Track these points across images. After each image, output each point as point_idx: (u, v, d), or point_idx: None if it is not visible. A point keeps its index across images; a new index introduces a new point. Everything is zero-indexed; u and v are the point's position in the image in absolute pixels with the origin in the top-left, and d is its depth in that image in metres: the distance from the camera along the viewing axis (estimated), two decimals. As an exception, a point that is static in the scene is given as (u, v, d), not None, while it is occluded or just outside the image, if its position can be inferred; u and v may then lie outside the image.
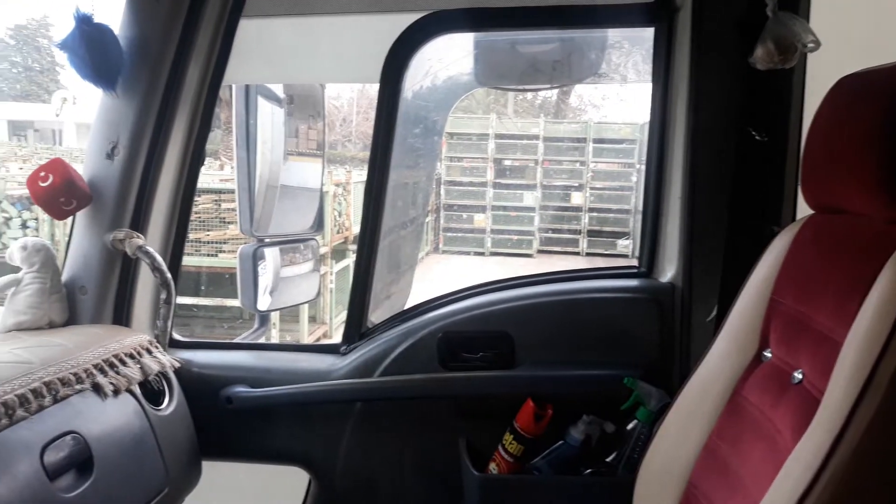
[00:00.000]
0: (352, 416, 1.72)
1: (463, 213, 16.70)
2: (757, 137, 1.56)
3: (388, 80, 1.71)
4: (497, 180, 16.95)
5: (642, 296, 1.70)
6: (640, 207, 2.26)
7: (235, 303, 8.56)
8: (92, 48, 1.48)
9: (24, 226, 8.20)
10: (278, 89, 2.04)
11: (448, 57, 2.00)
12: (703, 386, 1.24)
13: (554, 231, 16.76)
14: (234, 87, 1.86)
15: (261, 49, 1.81)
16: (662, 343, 1.66)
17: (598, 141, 16.54)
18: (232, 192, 8.36)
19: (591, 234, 16.60)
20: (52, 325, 1.54)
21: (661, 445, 1.29)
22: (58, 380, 1.26)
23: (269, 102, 2.08)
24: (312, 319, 9.72)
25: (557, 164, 16.97)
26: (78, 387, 1.29)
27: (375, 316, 1.81)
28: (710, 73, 1.58)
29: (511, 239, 16.70)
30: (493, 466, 1.64)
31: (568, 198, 16.76)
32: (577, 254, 16.17)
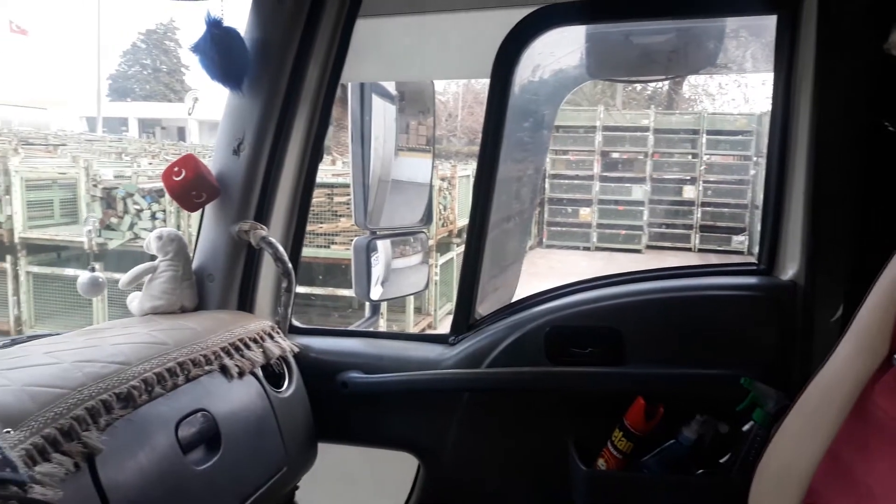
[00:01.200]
0: (460, 405, 1.75)
1: (568, 207, 16.49)
2: (891, 128, 1.47)
3: (499, 75, 1.72)
4: (604, 173, 16.64)
5: (761, 294, 1.64)
6: (758, 202, 2.17)
7: (346, 292, 8.86)
8: (221, 51, 1.58)
9: (153, 217, 8.79)
10: (390, 86, 2.10)
11: (559, 50, 1.99)
12: (826, 389, 1.18)
13: (664, 226, 16.25)
14: (349, 85, 1.93)
15: (375, 48, 1.86)
16: (781, 343, 1.59)
17: (712, 132, 15.89)
18: (343, 186, 8.64)
19: (703, 229, 16.01)
20: (183, 310, 1.65)
21: (779, 448, 1.24)
22: (190, 361, 1.35)
23: (381, 99, 2.14)
24: (418, 310, 9.92)
25: (668, 157, 16.45)
26: (207, 368, 1.39)
27: (483, 308, 1.83)
28: (839, 61, 1.49)
29: (618, 234, 16.34)
30: (601, 462, 1.63)
31: (679, 191, 16.21)
32: (689, 250, 15.64)
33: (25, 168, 9.27)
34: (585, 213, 16.38)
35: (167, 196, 8.57)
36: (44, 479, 0.92)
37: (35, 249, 9.22)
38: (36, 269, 8.99)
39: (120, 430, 1.12)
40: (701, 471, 1.56)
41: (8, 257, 8.84)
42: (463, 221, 11.46)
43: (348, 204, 8.87)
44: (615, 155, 16.60)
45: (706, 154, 15.86)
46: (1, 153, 10.72)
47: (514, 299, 1.94)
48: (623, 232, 16.23)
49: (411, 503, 1.86)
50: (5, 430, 0.95)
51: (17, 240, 8.93)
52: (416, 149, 2.36)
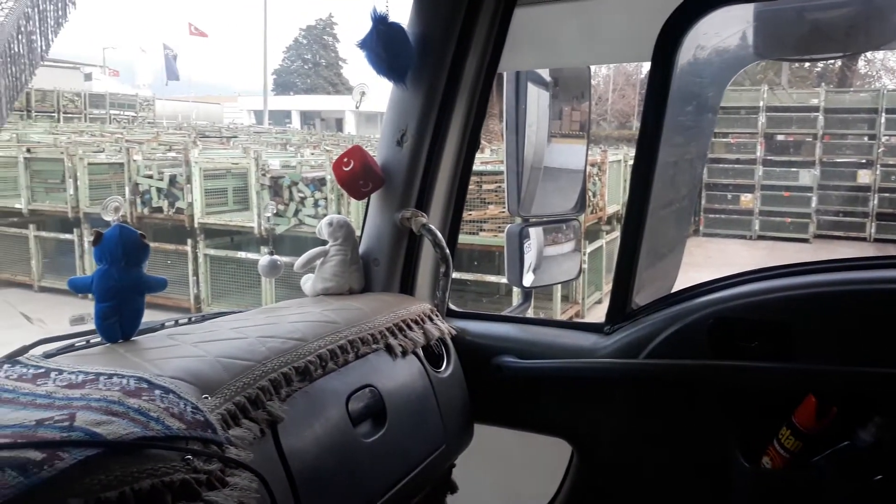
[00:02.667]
0: (616, 394, 1.73)
1: (727, 194, 15.60)
2: None
3: (661, 58, 1.67)
4: (768, 157, 15.58)
5: None
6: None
7: (494, 278, 8.96)
8: (387, 45, 1.65)
9: (316, 204, 9.32)
10: (544, 72, 2.10)
11: (724, 30, 1.90)
12: None
13: (835, 213, 14.97)
14: (505, 73, 1.95)
15: (533, 36, 1.87)
16: None
17: (892, 111, 14.40)
18: (491, 174, 8.71)
19: (881, 217, 14.58)
20: (351, 291, 1.76)
21: None
22: (359, 339, 1.44)
23: (536, 86, 2.15)
24: (565, 299, 9.83)
25: (841, 139, 15.11)
26: (374, 346, 1.48)
27: (640, 297, 1.80)
28: None
29: (783, 222, 15.26)
30: (766, 461, 1.56)
31: (853, 176, 14.86)
32: (864, 240, 14.33)
33: (203, 159, 10.14)
34: (747, 200, 15.44)
35: (328, 184, 9.09)
36: (236, 441, 1.03)
37: (211, 234, 10.08)
38: (212, 251, 9.83)
39: (298, 401, 1.23)
40: (879, 477, 1.45)
41: (189, 241, 9.73)
42: (613, 208, 11.19)
43: (496, 191, 8.95)
44: (780, 137, 15.50)
45: (885, 135, 14.42)
46: (183, 146, 11.79)
47: (673, 290, 1.88)
48: (789, 220, 15.15)
49: (564, 489, 1.87)
50: (204, 396, 1.07)
51: (196, 225, 9.80)
52: (569, 135, 2.35)
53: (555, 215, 2.28)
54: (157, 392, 0.99)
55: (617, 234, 11.23)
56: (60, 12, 1.00)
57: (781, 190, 15.25)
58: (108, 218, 1.29)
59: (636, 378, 1.71)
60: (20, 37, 0.98)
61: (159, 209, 9.99)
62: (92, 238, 1.26)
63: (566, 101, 2.29)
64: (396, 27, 1.66)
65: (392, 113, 1.78)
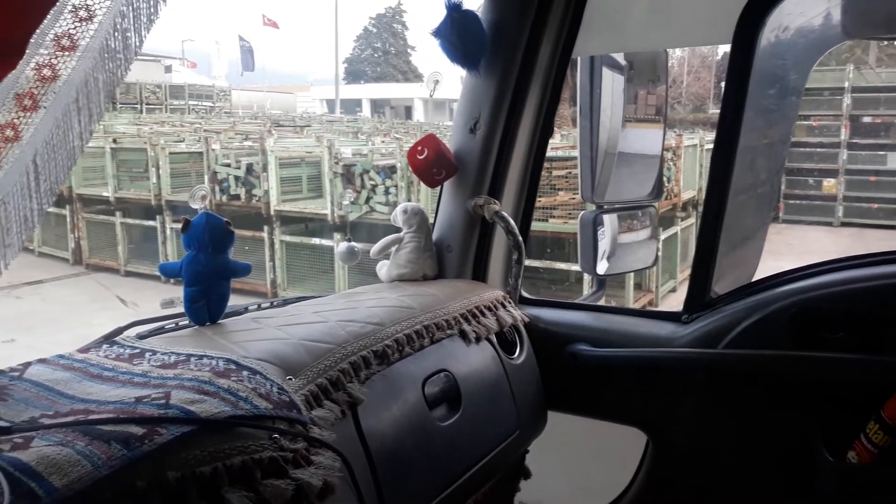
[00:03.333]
0: (694, 385, 1.70)
1: (809, 179, 14.95)
2: None
3: (742, 40, 1.62)
4: (853, 140, 14.83)
5: None
6: None
7: (563, 265, 8.89)
8: (461, 34, 1.66)
9: (386, 192, 9.44)
10: (619, 56, 2.06)
11: (809, 10, 1.83)
12: None
13: (929, 199, 14.14)
14: (579, 58, 1.93)
15: (608, 20, 1.84)
16: None
17: None
18: (561, 159, 8.61)
19: (979, 202, 13.70)
20: (425, 278, 1.78)
21: None
22: (434, 324, 1.47)
23: (610, 71, 2.12)
24: (638, 287, 9.66)
25: (935, 120, 14.24)
26: (449, 332, 1.50)
27: (720, 286, 1.76)
28: None
29: (870, 208, 14.53)
30: (852, 455, 1.51)
31: (949, 159, 14.00)
32: (959, 226, 13.51)
33: (279, 148, 10.39)
34: (829, 185, 14.78)
35: (399, 172, 9.19)
36: (320, 421, 1.07)
37: (286, 220, 10.34)
38: (288, 238, 10.09)
39: (376, 384, 1.26)
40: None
41: (265, 227, 10.01)
42: (689, 194, 10.90)
43: (567, 177, 8.84)
44: (867, 119, 14.73)
45: None
46: (259, 135, 12.12)
47: (754, 278, 1.83)
48: (876, 206, 14.41)
49: (639, 478, 1.85)
50: (288, 377, 1.11)
51: (272, 212, 10.07)
52: (644, 119, 2.30)
53: (630, 202, 2.24)
54: (245, 373, 1.03)
55: (692, 220, 10.95)
56: (153, 9, 1.05)
57: (868, 175, 14.52)
58: (195, 206, 1.34)
59: (715, 368, 1.68)
60: (116, 34, 1.03)
61: (237, 196, 10.31)
62: (181, 225, 1.31)
63: (641, 84, 2.24)
64: (471, 15, 1.66)
65: (465, 100, 1.79)
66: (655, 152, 2.34)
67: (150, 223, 11.09)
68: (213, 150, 10.57)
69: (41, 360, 1.11)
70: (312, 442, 0.98)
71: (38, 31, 0.96)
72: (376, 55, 53.05)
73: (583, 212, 2.10)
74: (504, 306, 1.72)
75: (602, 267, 2.12)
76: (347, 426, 1.16)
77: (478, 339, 1.56)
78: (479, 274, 1.85)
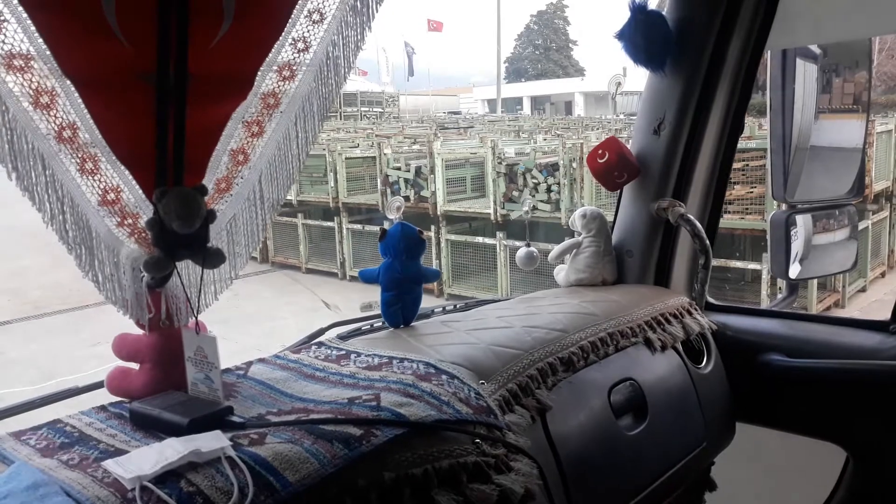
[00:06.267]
0: None
1: None
2: None
3: None
4: None
5: None
6: None
7: (739, 264, 8.39)
8: (645, 34, 1.63)
9: (548, 190, 9.39)
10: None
11: None
12: None
13: None
14: (769, 51, 1.82)
15: (804, 10, 1.72)
16: None
17: None
18: (738, 150, 8.11)
19: None
20: (604, 283, 1.77)
21: None
22: (618, 332, 1.45)
23: (803, 60, 1.98)
24: (822, 287, 8.91)
25: None
26: (633, 339, 1.47)
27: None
28: None
29: None
30: None
31: None
32: None
33: (445, 150, 10.68)
34: None
35: (561, 169, 9.11)
36: (513, 427, 1.09)
37: (451, 220, 10.61)
38: (453, 237, 10.34)
39: (563, 391, 1.27)
40: None
41: (432, 227, 10.32)
42: (882, 185, 9.90)
43: (743, 170, 8.33)
44: None
45: None
46: (425, 138, 12.51)
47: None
48: None
49: (837, 498, 1.72)
50: (480, 382, 1.15)
51: (439, 212, 10.37)
52: (840, 110, 2.14)
53: (825, 200, 2.09)
54: (444, 377, 1.09)
55: (885, 213, 9.96)
56: (360, 36, 1.13)
57: None
58: (390, 216, 1.43)
59: None
60: (328, 61, 1.12)
61: (406, 198, 10.71)
62: (378, 234, 1.40)
63: (837, 72, 2.08)
64: (655, 15, 1.63)
65: (649, 101, 1.75)
66: (855, 145, 2.17)
67: (328, 224, 11.81)
68: (385, 154, 11.07)
69: (260, 360, 1.23)
70: (510, 448, 1.01)
71: (264, 63, 1.07)
72: (537, 52, 52.91)
73: (773, 212, 1.99)
74: (690, 313, 1.67)
75: (794, 271, 1.99)
76: (537, 432, 1.17)
77: (663, 348, 1.52)
78: (662, 279, 1.80)
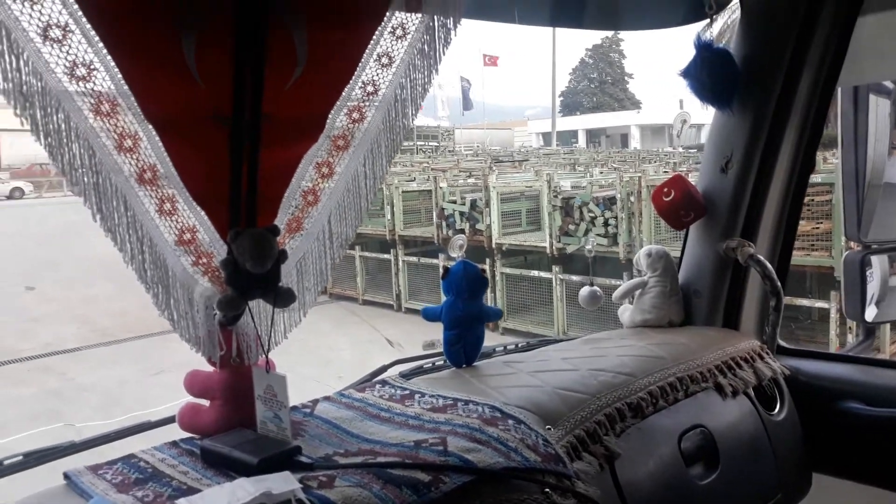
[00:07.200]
0: None
1: None
2: None
3: None
4: None
5: None
6: None
7: (806, 302, 8.11)
8: (711, 72, 1.60)
9: (606, 224, 9.29)
10: (883, 78, 1.87)
11: None
12: None
13: None
14: (840, 87, 1.78)
15: (879, 45, 1.68)
16: None
17: None
18: (803, 186, 7.88)
19: None
20: (671, 324, 1.72)
21: None
22: (687, 376, 1.41)
23: (875, 95, 1.92)
24: (895, 326, 8.50)
25: None
26: (703, 385, 1.43)
27: None
28: None
29: None
30: None
31: None
32: None
33: (500, 183, 10.71)
34: None
35: (618, 202, 9.02)
36: (582, 475, 1.07)
37: (507, 253, 10.59)
38: (508, 270, 10.31)
39: (632, 437, 1.23)
40: None
41: (487, 260, 10.32)
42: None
43: (808, 205, 8.09)
44: None
45: None
46: (480, 171, 12.58)
47: None
48: None
49: None
50: (547, 427, 1.13)
51: (494, 245, 10.37)
52: (917, 144, 2.06)
53: (901, 240, 2.01)
54: (510, 422, 1.07)
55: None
56: (426, 79, 1.15)
57: None
58: (453, 255, 1.43)
59: None
60: (396, 104, 1.14)
61: (461, 231, 10.76)
62: (441, 272, 1.40)
63: (913, 103, 2.01)
64: (721, 52, 1.60)
65: (715, 138, 1.72)
66: (934, 181, 2.08)
67: (385, 256, 11.93)
68: (440, 187, 11.17)
69: (326, 398, 1.23)
70: (580, 498, 0.98)
71: (334, 106, 1.09)
72: (592, 85, 52.91)
73: (847, 252, 1.92)
74: (761, 357, 1.61)
75: (871, 313, 1.91)
76: (606, 480, 1.14)
77: (734, 393, 1.47)
78: (731, 321, 1.74)
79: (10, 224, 19.07)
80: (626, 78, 53.46)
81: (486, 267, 10.25)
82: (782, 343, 1.78)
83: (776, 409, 1.57)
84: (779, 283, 1.68)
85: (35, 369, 8.60)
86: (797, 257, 7.95)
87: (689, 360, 1.46)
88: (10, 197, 27.65)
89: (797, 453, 1.57)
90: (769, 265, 1.67)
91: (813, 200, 7.94)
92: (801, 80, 1.62)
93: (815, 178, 7.81)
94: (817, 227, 7.99)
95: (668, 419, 1.32)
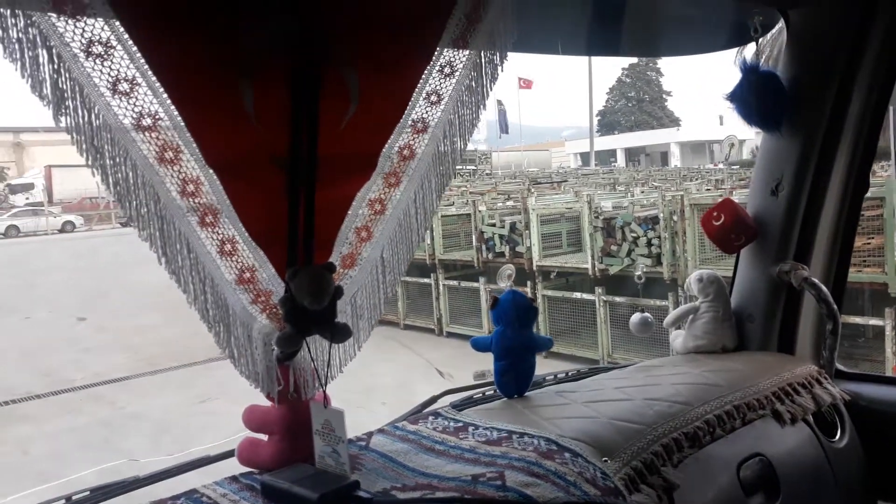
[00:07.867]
0: None
1: None
2: None
3: None
4: None
5: None
6: None
7: (857, 319, 7.87)
8: (758, 95, 1.59)
9: (649, 244, 9.18)
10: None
11: None
12: None
13: None
14: (892, 107, 1.74)
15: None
16: None
17: None
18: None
19: None
20: (724, 350, 1.69)
21: None
22: (744, 404, 1.38)
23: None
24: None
25: None
26: (761, 412, 1.40)
27: None
28: None
29: None
30: None
31: None
32: None
33: (540, 205, 10.68)
34: None
35: (661, 222, 8.91)
36: None
37: (547, 275, 10.52)
38: (549, 292, 10.23)
39: (689, 468, 1.21)
40: None
41: (528, 283, 10.26)
42: None
43: (860, 219, 7.87)
44: None
45: None
46: (519, 194, 12.57)
47: None
48: None
49: None
50: (603, 459, 1.12)
51: (534, 267, 10.31)
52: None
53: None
54: (567, 455, 1.06)
55: None
56: (474, 115, 1.16)
57: None
58: (502, 284, 1.44)
59: None
60: (445, 140, 1.16)
61: (501, 254, 10.73)
62: (489, 303, 1.41)
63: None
64: (769, 75, 1.59)
65: (765, 161, 1.70)
66: None
67: (425, 280, 11.95)
68: (479, 211, 11.18)
69: (380, 430, 1.24)
70: None
71: (386, 144, 1.11)
72: (630, 104, 52.63)
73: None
74: (819, 383, 1.57)
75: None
76: None
77: (793, 420, 1.44)
78: (786, 346, 1.71)
79: (63, 257, 19.68)
80: (664, 96, 53.06)
81: (528, 289, 10.21)
82: (841, 367, 1.73)
83: (837, 436, 1.53)
84: (835, 306, 1.64)
85: (87, 398, 8.80)
86: (849, 274, 7.73)
87: (746, 386, 1.44)
88: (62, 230, 28.59)
89: (860, 481, 1.53)
90: (824, 288, 1.64)
91: (864, 216, 7.73)
92: (851, 101, 1.60)
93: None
94: (868, 243, 7.77)
95: (726, 448, 1.30)
